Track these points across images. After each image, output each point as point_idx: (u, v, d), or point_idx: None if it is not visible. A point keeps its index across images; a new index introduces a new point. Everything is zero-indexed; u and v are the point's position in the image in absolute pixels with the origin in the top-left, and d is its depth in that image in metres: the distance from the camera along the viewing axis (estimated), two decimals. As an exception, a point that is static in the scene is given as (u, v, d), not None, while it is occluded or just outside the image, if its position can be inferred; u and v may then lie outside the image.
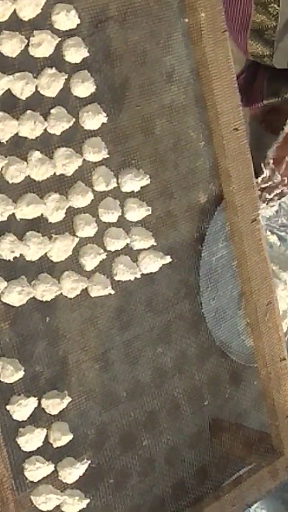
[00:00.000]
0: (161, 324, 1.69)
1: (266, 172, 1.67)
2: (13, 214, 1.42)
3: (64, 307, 1.53)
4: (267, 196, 1.66)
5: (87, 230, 1.51)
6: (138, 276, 1.59)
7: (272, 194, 1.61)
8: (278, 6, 2.22)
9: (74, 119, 1.47)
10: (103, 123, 1.51)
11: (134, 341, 1.65)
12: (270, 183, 1.58)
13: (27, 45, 1.41)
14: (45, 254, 1.47)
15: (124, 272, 1.57)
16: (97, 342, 1.59)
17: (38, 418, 1.49)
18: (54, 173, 1.47)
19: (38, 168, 1.44)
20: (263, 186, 1.66)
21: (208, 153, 1.72)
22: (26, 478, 1.48)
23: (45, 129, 1.44)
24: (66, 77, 1.45)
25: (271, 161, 1.65)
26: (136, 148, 1.59)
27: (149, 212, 1.59)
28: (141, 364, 1.67)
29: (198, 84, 1.67)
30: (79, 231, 1.51)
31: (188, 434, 1.77)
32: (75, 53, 1.46)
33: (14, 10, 1.39)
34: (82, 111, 1.50)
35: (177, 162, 1.68)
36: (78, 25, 1.46)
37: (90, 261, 1.52)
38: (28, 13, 1.40)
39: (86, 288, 1.53)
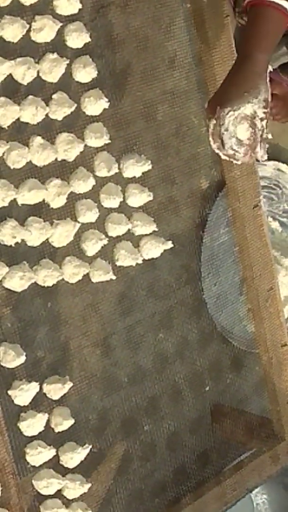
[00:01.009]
0: (162, 309, 1.70)
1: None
2: (15, 199, 1.42)
3: (66, 292, 1.53)
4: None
5: (89, 215, 1.51)
6: (140, 261, 1.59)
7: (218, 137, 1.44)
8: None
9: (75, 105, 1.47)
10: (104, 109, 1.51)
11: (135, 326, 1.65)
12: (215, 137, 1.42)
13: (29, 30, 1.41)
14: (47, 239, 1.47)
15: (125, 258, 1.57)
16: (99, 328, 1.59)
17: (40, 403, 1.49)
18: (56, 159, 1.47)
19: (39, 154, 1.44)
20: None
21: (210, 139, 1.71)
22: (28, 463, 1.48)
23: (46, 115, 1.44)
24: (67, 62, 1.44)
25: (206, 105, 1.44)
26: (138, 134, 1.59)
27: (151, 198, 1.59)
28: (143, 349, 1.67)
29: (200, 70, 1.67)
30: (81, 217, 1.51)
31: (189, 419, 1.78)
32: (77, 38, 1.46)
33: (16, -5, 1.39)
34: (83, 96, 1.50)
35: (179, 148, 1.68)
36: (79, 10, 1.46)
37: (91, 247, 1.52)
38: (29, -2, 1.40)
39: (87, 274, 1.53)
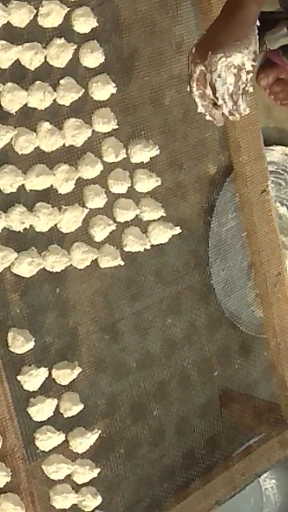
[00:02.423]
0: (170, 295, 1.70)
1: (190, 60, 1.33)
2: (23, 185, 1.42)
3: (74, 278, 1.53)
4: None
5: (97, 201, 1.51)
6: (148, 247, 1.59)
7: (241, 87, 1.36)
8: None
9: (83, 90, 1.46)
10: (112, 94, 1.51)
11: (144, 312, 1.65)
12: (191, 69, 1.34)
13: (36, 15, 1.41)
14: (55, 225, 1.47)
15: (133, 243, 1.57)
16: (107, 313, 1.59)
17: (49, 388, 1.50)
18: (64, 144, 1.47)
19: (47, 139, 1.43)
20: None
21: (218, 124, 1.71)
22: (37, 448, 1.49)
23: (54, 100, 1.44)
24: (75, 47, 1.44)
25: (194, 49, 1.33)
26: (145, 119, 1.59)
27: (159, 183, 1.59)
28: (151, 335, 1.67)
29: (207, 54, 1.66)
30: (89, 202, 1.51)
31: (198, 405, 1.78)
32: (84, 23, 1.45)
33: (23, -20, 1.38)
34: (91, 81, 1.49)
35: (187, 133, 1.68)
36: (87, -6, 1.45)
37: (99, 232, 1.52)
38: (36, -18, 1.40)
39: (96, 259, 1.53)
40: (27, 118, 1.43)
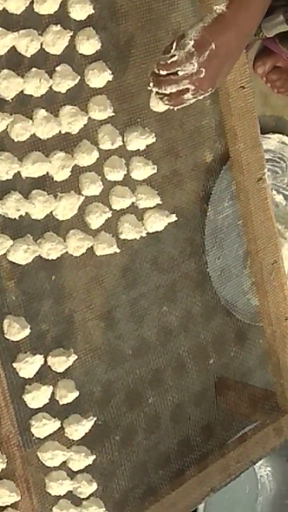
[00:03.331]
0: (166, 283, 1.70)
1: (181, 53, 1.31)
2: (19, 172, 1.42)
3: (70, 265, 1.53)
4: (169, 86, 1.34)
5: (93, 188, 1.51)
6: (144, 235, 1.59)
7: (175, 87, 1.33)
8: None
9: (79, 77, 1.46)
10: (108, 81, 1.50)
11: (139, 299, 1.65)
12: (182, 67, 1.31)
13: (32, 2, 1.40)
14: (51, 212, 1.47)
15: (129, 231, 1.57)
16: (103, 301, 1.60)
17: (45, 375, 1.50)
18: (60, 131, 1.46)
19: (43, 126, 1.43)
20: (168, 68, 1.32)
21: (214, 111, 1.71)
22: (33, 435, 1.49)
23: (50, 87, 1.43)
24: (71, 34, 1.44)
25: (192, 43, 1.31)
26: (142, 107, 1.58)
27: (155, 171, 1.59)
28: (147, 322, 1.68)
29: (204, 42, 1.66)
30: (85, 190, 1.50)
31: (194, 392, 1.78)
32: (80, 10, 1.45)
33: None
34: (87, 68, 1.49)
35: (183, 121, 1.67)
36: (83, -19, 1.45)
37: (95, 220, 1.52)
38: None
39: (91, 247, 1.53)
40: (23, 105, 1.43)
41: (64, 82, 1.45)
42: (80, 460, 1.52)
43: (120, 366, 1.64)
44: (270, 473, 2.22)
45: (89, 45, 1.47)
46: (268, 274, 1.78)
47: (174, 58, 1.33)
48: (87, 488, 1.54)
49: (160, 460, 1.74)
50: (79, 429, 1.52)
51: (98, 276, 1.58)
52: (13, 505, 1.41)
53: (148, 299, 1.67)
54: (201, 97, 1.37)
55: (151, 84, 1.37)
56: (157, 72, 1.35)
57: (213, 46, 1.32)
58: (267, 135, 2.29)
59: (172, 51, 1.34)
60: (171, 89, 1.35)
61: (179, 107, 1.39)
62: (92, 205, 1.53)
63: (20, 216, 1.43)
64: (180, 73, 1.33)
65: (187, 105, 1.39)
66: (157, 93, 1.38)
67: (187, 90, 1.35)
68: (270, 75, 2.35)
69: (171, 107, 1.39)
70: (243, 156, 1.71)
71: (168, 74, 1.34)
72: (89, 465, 1.54)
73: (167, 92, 1.36)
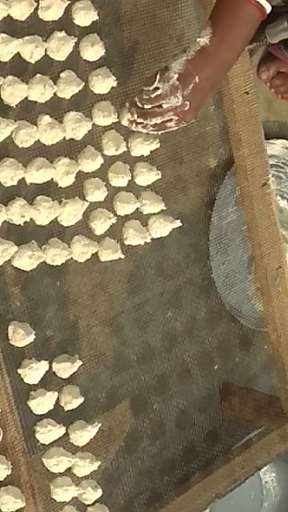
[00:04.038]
0: (171, 288, 1.70)
1: (166, 86, 1.33)
2: (23, 178, 1.42)
3: (75, 271, 1.53)
4: (153, 118, 1.37)
5: (97, 194, 1.51)
6: (148, 240, 1.59)
7: (160, 119, 1.35)
8: None
9: (83, 83, 1.46)
10: (112, 87, 1.50)
11: (144, 305, 1.65)
12: (166, 101, 1.33)
13: (36, 8, 1.40)
14: (55, 218, 1.47)
15: (134, 237, 1.57)
16: (108, 307, 1.60)
17: (49, 381, 1.50)
18: (64, 138, 1.46)
19: (48, 132, 1.43)
20: (153, 102, 1.35)
21: (218, 117, 1.71)
22: (38, 441, 1.49)
23: (54, 93, 1.44)
24: (75, 40, 1.44)
25: (176, 76, 1.33)
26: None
27: (159, 177, 1.59)
28: (152, 328, 1.68)
29: (208, 48, 1.66)
30: (89, 196, 1.51)
31: (198, 398, 1.78)
32: (85, 16, 1.45)
33: (23, -27, 1.38)
34: (91, 75, 1.49)
35: (187, 126, 1.65)
36: (87, -13, 1.45)
37: (100, 226, 1.52)
38: (37, -25, 1.39)
39: (96, 253, 1.53)
40: (28, 112, 1.43)
41: (68, 88, 1.45)
42: (85, 466, 1.52)
43: (125, 372, 1.64)
44: (275, 479, 2.22)
45: (93, 51, 1.47)
46: (272, 279, 1.77)
47: (158, 92, 1.35)
48: (92, 494, 1.53)
49: (165, 466, 1.74)
50: (84, 435, 1.52)
51: (102, 282, 1.58)
52: (18, 512, 1.41)
53: (153, 305, 1.67)
54: (182, 125, 1.40)
55: (135, 116, 1.39)
56: (140, 106, 1.38)
57: (196, 79, 1.34)
58: (271, 141, 2.29)
59: (155, 83, 1.36)
60: (156, 120, 1.37)
61: (161, 132, 1.41)
62: (97, 211, 1.53)
63: (25, 222, 1.43)
64: (164, 105, 1.35)
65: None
66: (138, 122, 1.40)
67: (171, 119, 1.38)
68: (274, 80, 2.35)
69: (154, 133, 1.42)
70: (247, 161, 1.71)
71: (152, 107, 1.36)
72: (94, 471, 1.54)
73: (152, 123, 1.38)
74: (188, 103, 1.35)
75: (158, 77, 1.36)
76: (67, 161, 1.46)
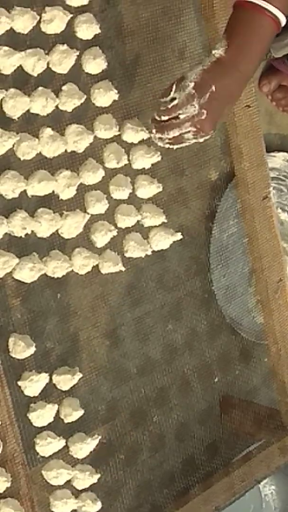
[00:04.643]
0: (171, 301, 1.70)
1: (182, 96, 1.33)
2: (25, 190, 1.42)
3: (75, 283, 1.53)
4: (171, 131, 1.35)
5: (98, 207, 1.51)
6: (149, 253, 1.59)
7: (178, 131, 1.34)
8: None
9: (85, 96, 1.47)
10: (114, 100, 1.51)
11: (144, 317, 1.66)
12: (183, 110, 1.32)
13: (39, 22, 1.41)
14: (57, 231, 1.47)
15: (135, 249, 1.57)
16: (108, 319, 1.60)
17: (50, 393, 1.50)
18: (66, 150, 1.47)
19: (49, 145, 1.44)
20: (170, 113, 1.34)
21: (220, 130, 1.71)
22: (37, 453, 1.49)
23: (56, 106, 1.44)
24: (77, 53, 1.44)
25: (192, 84, 1.32)
26: (147, 125, 1.58)
27: (160, 189, 1.59)
28: (152, 340, 1.68)
29: (209, 61, 1.66)
30: (90, 208, 1.51)
31: (198, 411, 1.78)
32: (87, 30, 1.46)
33: (26, -14, 1.39)
34: (93, 87, 1.50)
35: (189, 139, 1.67)
36: (89, 1, 1.45)
37: (101, 238, 1.52)
38: (39, -11, 1.40)
39: (97, 265, 1.53)
40: (29, 124, 1.43)
41: (70, 101, 1.45)
42: (85, 478, 1.52)
43: (125, 385, 1.64)
44: (275, 492, 2.21)
45: (95, 64, 1.48)
46: (273, 292, 1.77)
47: (175, 102, 1.34)
48: (91, 507, 1.53)
49: (165, 478, 1.74)
50: (83, 447, 1.52)
51: (103, 294, 1.58)
52: (18, 524, 1.41)
53: (153, 317, 1.67)
54: (201, 140, 1.38)
55: (154, 131, 1.37)
56: (158, 118, 1.36)
57: (213, 88, 1.33)
58: (272, 154, 2.29)
59: (172, 94, 1.34)
60: (174, 133, 1.35)
61: (178, 146, 1.40)
62: (98, 224, 1.53)
63: (26, 235, 1.43)
64: (181, 116, 1.34)
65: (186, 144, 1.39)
66: (158, 136, 1.38)
67: (188, 131, 1.36)
68: (275, 93, 2.35)
69: (171, 147, 1.40)
70: (248, 174, 1.71)
71: (169, 119, 1.35)
72: (94, 483, 1.53)
73: (170, 136, 1.36)
74: (205, 111, 1.33)
75: (174, 87, 1.34)
76: (68, 174, 1.47)
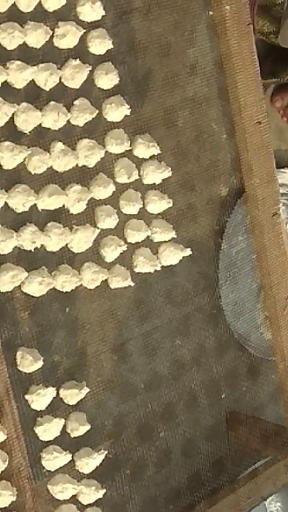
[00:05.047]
0: (180, 316, 1.70)
1: None
2: (35, 204, 1.43)
3: (84, 298, 1.53)
4: None
5: (108, 221, 1.51)
6: (158, 268, 1.59)
7: None
8: None
9: (97, 111, 1.47)
10: (126, 115, 1.51)
11: (152, 332, 1.65)
12: None
13: (52, 36, 1.41)
14: (66, 245, 1.48)
15: (144, 264, 1.57)
16: (116, 333, 1.60)
17: (56, 408, 1.50)
18: (77, 165, 1.47)
19: (60, 159, 1.44)
20: None
21: (230, 146, 1.71)
22: (43, 467, 1.49)
23: (68, 121, 1.44)
24: (90, 68, 1.45)
25: None
26: (158, 140, 1.59)
27: (170, 205, 1.59)
28: (159, 356, 1.67)
29: (221, 77, 1.67)
30: (100, 223, 1.51)
31: (205, 427, 1.78)
32: (100, 45, 1.46)
33: (40, 1, 1.39)
34: (105, 102, 1.50)
35: (199, 155, 1.68)
36: (102, 16, 1.46)
37: (110, 253, 1.52)
38: (53, 4, 1.40)
39: (106, 280, 1.53)
40: (41, 138, 1.44)
41: (82, 116, 1.45)
42: (90, 494, 1.51)
43: (132, 400, 1.64)
44: (280, 509, 2.21)
45: (107, 79, 1.48)
46: (281, 309, 1.77)
47: None
48: (96, 522, 1.53)
49: (171, 494, 1.73)
50: (90, 462, 1.52)
51: (111, 308, 1.58)
52: (23, 538, 1.41)
53: (161, 333, 1.67)
54: None
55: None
56: None
57: None
58: (282, 170, 2.29)
59: None
60: None
61: None
62: (107, 238, 1.53)
63: (36, 248, 1.43)
64: None
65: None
66: None
67: None
68: (287, 109, 2.36)
69: None
70: (258, 191, 1.71)
71: None
72: (99, 499, 1.53)
73: None
74: None
75: None
76: (79, 188, 1.47)
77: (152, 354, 1.66)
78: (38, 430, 1.47)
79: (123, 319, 1.60)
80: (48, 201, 1.43)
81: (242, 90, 1.65)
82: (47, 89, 1.42)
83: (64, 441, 1.50)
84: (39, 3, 1.39)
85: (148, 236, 1.58)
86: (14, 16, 1.38)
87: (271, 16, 2.24)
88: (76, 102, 1.46)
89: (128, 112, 1.51)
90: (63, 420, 1.49)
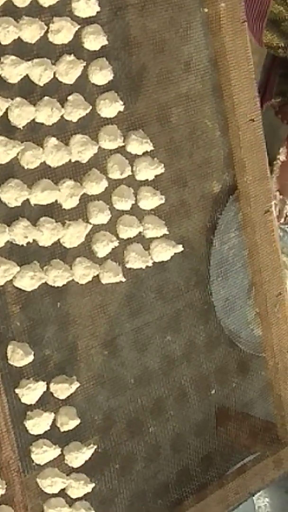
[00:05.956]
0: (170, 312, 1.70)
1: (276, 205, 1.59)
2: (28, 199, 1.43)
3: (75, 293, 1.53)
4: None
5: (101, 217, 1.52)
6: (150, 264, 1.60)
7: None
8: None
9: (90, 107, 1.47)
10: (119, 111, 1.51)
11: (143, 328, 1.66)
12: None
13: (47, 32, 1.41)
14: (58, 240, 1.48)
15: (136, 260, 1.58)
16: (107, 328, 1.60)
17: (46, 402, 1.50)
18: (70, 160, 1.47)
19: (53, 155, 1.44)
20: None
21: (223, 143, 1.72)
22: (33, 461, 1.49)
23: (61, 116, 1.44)
24: (84, 64, 1.45)
25: (278, 194, 1.57)
26: (151, 137, 1.59)
27: (163, 201, 1.60)
28: (150, 351, 1.68)
29: (215, 74, 1.67)
30: (93, 218, 1.51)
31: (194, 422, 1.79)
32: (94, 41, 1.46)
33: (35, -4, 1.39)
34: (99, 98, 1.50)
35: (192, 151, 1.68)
36: (97, 12, 1.46)
37: (102, 248, 1.53)
38: (48, -1, 1.41)
39: (97, 275, 1.53)
40: (34, 133, 1.44)
41: (75, 111, 1.46)
42: (79, 487, 1.52)
43: (122, 394, 1.64)
44: (268, 504, 2.21)
45: (101, 75, 1.48)
46: (272, 306, 1.78)
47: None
48: (85, 516, 1.53)
49: (159, 489, 1.74)
50: (79, 456, 1.52)
51: (102, 304, 1.58)
52: (11, 531, 1.41)
53: (152, 328, 1.67)
54: None
55: None
56: None
57: None
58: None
59: None
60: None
61: None
62: (100, 234, 1.53)
63: (28, 243, 1.43)
64: None
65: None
66: None
67: None
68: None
69: None
70: (251, 188, 1.72)
71: None
72: (88, 493, 1.53)
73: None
74: None
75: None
76: (71, 184, 1.47)
77: (143, 350, 1.67)
78: (28, 424, 1.47)
79: (114, 314, 1.61)
80: (41, 196, 1.43)
81: (236, 88, 1.66)
82: (41, 84, 1.42)
83: (53, 435, 1.50)
84: (34, -2, 1.40)
85: (140, 232, 1.58)
86: (9, 11, 1.38)
87: (280, 32, 2.25)
88: (70, 98, 1.46)
89: (121, 108, 1.51)
90: (53, 414, 1.49)
